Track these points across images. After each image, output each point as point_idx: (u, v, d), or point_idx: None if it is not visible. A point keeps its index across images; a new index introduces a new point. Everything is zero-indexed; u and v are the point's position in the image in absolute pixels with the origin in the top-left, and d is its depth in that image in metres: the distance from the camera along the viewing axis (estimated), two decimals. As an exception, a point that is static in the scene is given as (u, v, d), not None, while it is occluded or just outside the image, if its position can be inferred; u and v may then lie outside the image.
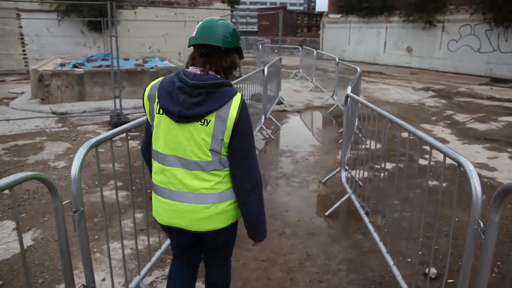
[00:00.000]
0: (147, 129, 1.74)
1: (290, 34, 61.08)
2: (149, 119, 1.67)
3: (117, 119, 6.72)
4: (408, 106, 9.66)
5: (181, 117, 1.52)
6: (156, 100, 1.57)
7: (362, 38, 21.87)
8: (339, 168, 4.35)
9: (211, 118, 1.52)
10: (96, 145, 1.86)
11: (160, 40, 17.65)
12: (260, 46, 16.05)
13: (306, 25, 73.76)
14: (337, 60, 8.83)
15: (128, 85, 8.35)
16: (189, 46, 1.63)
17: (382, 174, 3.36)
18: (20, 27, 15.06)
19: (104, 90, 8.40)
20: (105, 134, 2.01)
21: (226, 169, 1.63)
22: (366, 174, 3.91)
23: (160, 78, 1.64)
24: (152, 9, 17.59)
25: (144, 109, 1.67)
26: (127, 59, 11.53)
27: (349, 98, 4.03)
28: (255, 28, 72.41)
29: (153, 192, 1.74)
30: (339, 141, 6.07)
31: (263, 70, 6.30)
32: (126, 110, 7.44)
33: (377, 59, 21.02)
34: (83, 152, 1.75)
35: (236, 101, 1.54)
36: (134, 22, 17.26)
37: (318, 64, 12.27)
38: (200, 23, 1.61)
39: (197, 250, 1.91)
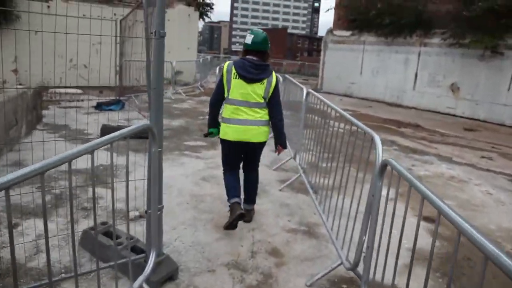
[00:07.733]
0: (219, 88, 3.40)
1: (289, 58, 55.47)
2: (224, 82, 3.35)
3: None
4: None
5: (251, 80, 3.27)
6: (233, 71, 3.29)
7: (381, 66, 15.31)
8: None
9: (265, 81, 3.31)
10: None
11: (88, 49, 10.89)
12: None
13: (307, 49, 68.34)
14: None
15: None
16: (245, 50, 3.38)
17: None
18: None
19: None
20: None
21: (266, 109, 3.40)
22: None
23: (230, 61, 3.40)
24: (80, 4, 10.99)
25: (222, 76, 3.35)
26: None
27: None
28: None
29: (222, 123, 3.43)
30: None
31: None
32: None
33: (403, 99, 14.42)
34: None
35: (274, 75, 3.38)
36: (47, 21, 10.65)
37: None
38: (253, 34, 3.34)
39: (240, 160, 3.62)
